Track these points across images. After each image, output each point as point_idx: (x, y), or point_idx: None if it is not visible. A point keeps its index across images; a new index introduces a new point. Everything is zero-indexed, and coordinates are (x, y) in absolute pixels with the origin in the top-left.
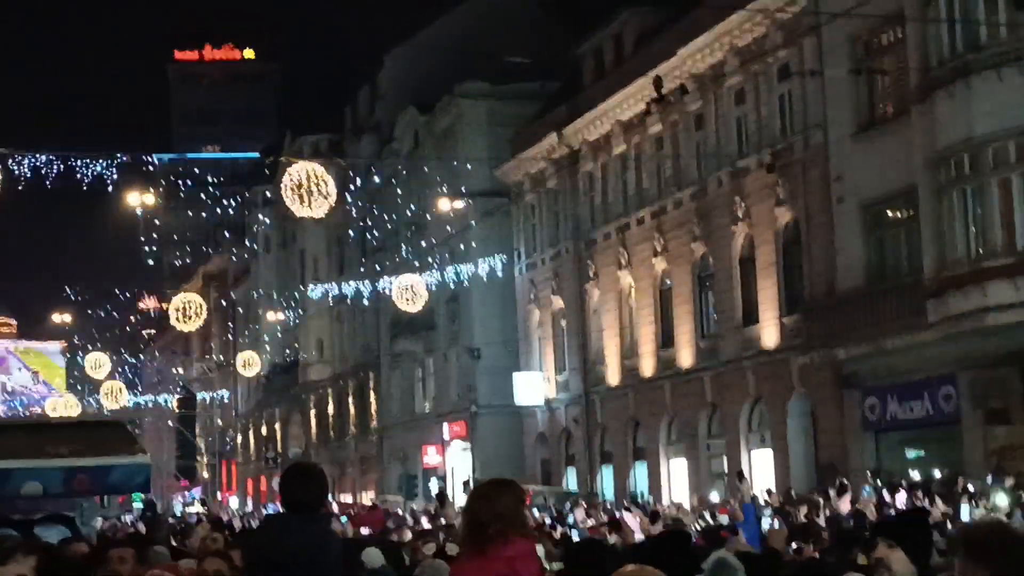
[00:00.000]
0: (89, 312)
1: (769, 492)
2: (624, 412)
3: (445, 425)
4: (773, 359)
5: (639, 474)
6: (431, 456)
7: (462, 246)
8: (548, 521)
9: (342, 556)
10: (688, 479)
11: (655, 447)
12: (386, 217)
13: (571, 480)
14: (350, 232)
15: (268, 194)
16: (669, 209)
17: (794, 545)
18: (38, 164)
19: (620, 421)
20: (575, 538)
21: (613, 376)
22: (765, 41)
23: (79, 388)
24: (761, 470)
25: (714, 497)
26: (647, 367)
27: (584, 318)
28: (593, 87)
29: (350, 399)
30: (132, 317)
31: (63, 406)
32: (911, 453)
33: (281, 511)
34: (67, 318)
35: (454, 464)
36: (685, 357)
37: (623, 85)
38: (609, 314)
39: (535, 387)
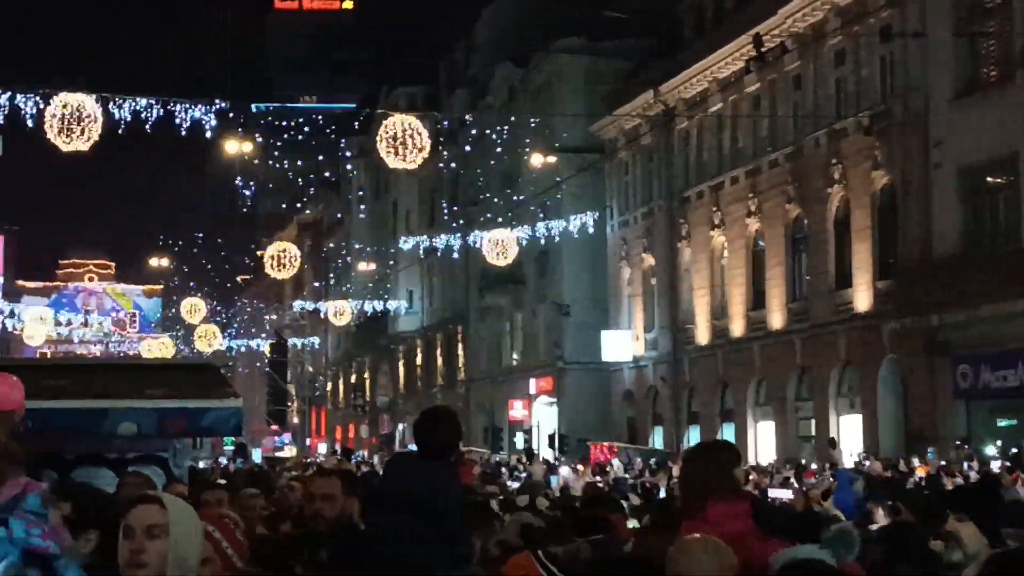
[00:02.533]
0: (187, 257)
1: (861, 457)
2: (712, 372)
3: (532, 380)
4: (865, 323)
5: (726, 435)
6: (517, 410)
7: (554, 202)
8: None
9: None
10: (776, 441)
11: (743, 408)
12: (479, 171)
13: (657, 439)
14: (442, 185)
15: (363, 145)
16: (764, 169)
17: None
18: (137, 108)
19: (708, 381)
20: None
21: (702, 336)
22: (867, 1)
23: (175, 331)
24: (849, 435)
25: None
26: (737, 328)
27: (675, 277)
28: (692, 45)
29: (438, 351)
30: (227, 263)
31: (158, 347)
32: (1002, 422)
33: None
34: (164, 262)
35: (540, 419)
36: (776, 319)
37: (722, 43)
38: (700, 273)
39: (623, 344)
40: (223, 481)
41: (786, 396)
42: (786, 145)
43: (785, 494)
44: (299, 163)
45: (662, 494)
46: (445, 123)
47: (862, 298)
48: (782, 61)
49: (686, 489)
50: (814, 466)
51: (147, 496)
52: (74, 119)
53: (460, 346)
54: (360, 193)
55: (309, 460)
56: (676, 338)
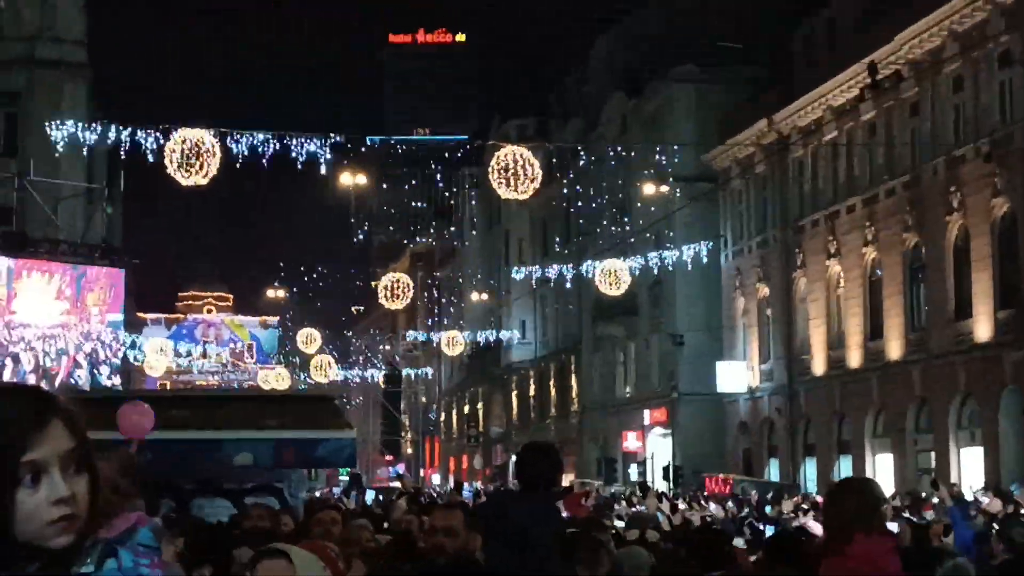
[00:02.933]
0: (302, 288)
1: (979, 493)
2: (829, 403)
3: (646, 411)
4: (985, 354)
5: (843, 468)
6: (631, 441)
7: (667, 231)
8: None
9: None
10: (894, 474)
11: (860, 440)
12: (591, 200)
13: (773, 471)
14: (555, 215)
15: (475, 176)
16: (881, 197)
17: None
18: (255, 143)
19: (825, 413)
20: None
21: (819, 366)
22: (986, 27)
23: (290, 362)
24: (970, 468)
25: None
26: (854, 358)
27: (790, 307)
28: (805, 72)
29: (551, 381)
30: (342, 293)
31: (275, 379)
32: None
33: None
34: (281, 294)
35: (654, 450)
36: (894, 349)
37: (837, 71)
38: (816, 303)
39: (738, 375)
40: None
41: (905, 428)
42: (903, 173)
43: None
44: (412, 194)
45: (780, 527)
46: (557, 153)
47: (982, 328)
48: (898, 88)
49: (831, 525)
50: (935, 500)
51: (274, 550)
52: (193, 154)
53: (573, 376)
54: (473, 223)
55: (417, 489)
56: (792, 369)
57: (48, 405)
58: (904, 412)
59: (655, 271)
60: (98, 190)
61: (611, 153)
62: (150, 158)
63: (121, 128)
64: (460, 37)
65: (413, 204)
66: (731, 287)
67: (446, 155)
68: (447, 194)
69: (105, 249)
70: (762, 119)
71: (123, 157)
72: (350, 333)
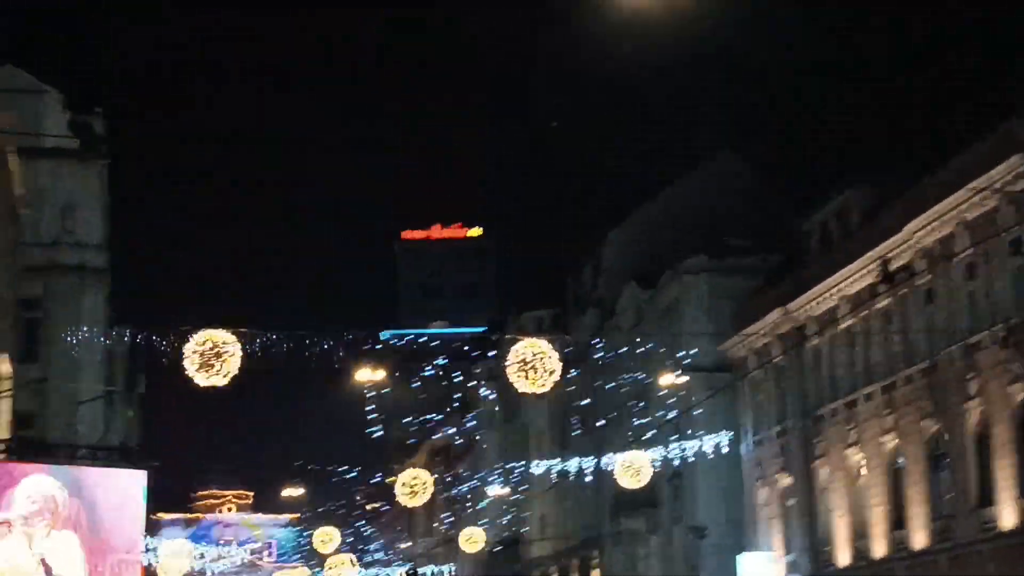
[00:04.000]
0: (319, 485)
1: None
2: None
3: None
4: (1012, 541)
5: None
6: None
7: (686, 421)
8: None
9: None
10: None
11: None
12: (609, 392)
13: None
14: (573, 407)
15: (492, 369)
16: (899, 385)
17: None
18: (269, 343)
19: None
20: None
21: (843, 557)
22: (996, 215)
23: (310, 562)
24: None
25: None
26: (879, 548)
27: (812, 497)
28: (818, 261)
29: None
30: (359, 491)
31: None
32: None
33: None
34: (298, 492)
35: None
36: (919, 539)
37: (850, 260)
38: (838, 493)
39: (762, 567)
40: None
41: None
42: (921, 359)
43: None
44: (429, 388)
45: None
46: (574, 345)
47: (1007, 515)
48: (912, 276)
49: None
50: None
51: None
52: (212, 355)
53: (596, 571)
54: (491, 416)
55: None
56: (816, 560)
57: None
58: None
59: (675, 463)
60: (118, 393)
61: (627, 345)
62: (170, 360)
63: (139, 332)
64: (473, 232)
65: (429, 398)
66: (752, 478)
67: (463, 349)
68: (464, 388)
69: (123, 451)
70: (777, 309)
71: (144, 360)
72: (369, 531)
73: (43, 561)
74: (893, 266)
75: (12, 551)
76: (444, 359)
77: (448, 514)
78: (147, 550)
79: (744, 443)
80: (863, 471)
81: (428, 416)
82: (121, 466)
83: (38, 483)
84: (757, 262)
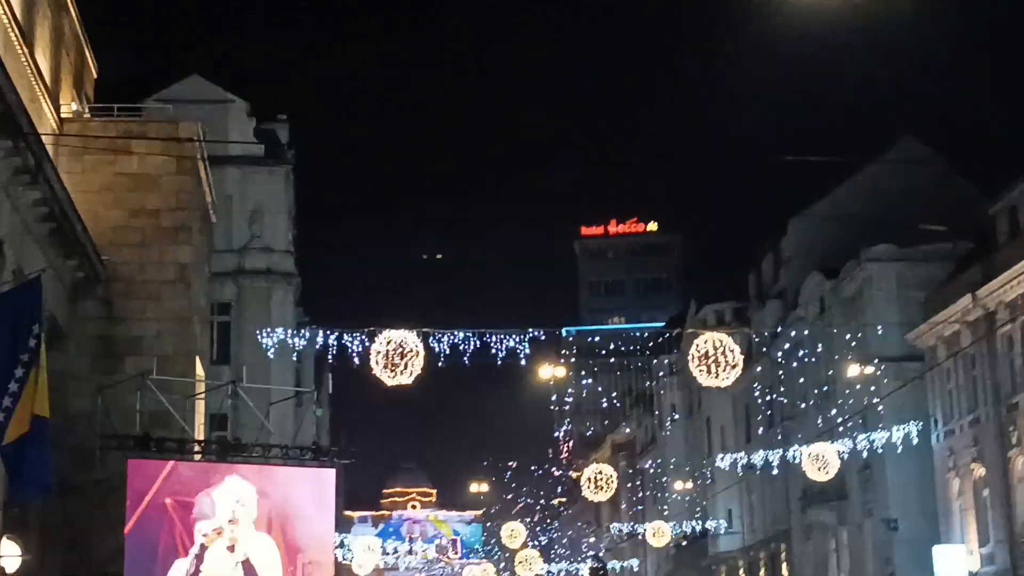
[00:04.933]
0: (504, 481)
1: None
2: None
3: None
4: None
5: None
6: None
7: (874, 413)
8: None
9: None
10: None
11: None
12: (793, 384)
13: None
14: (756, 399)
15: (673, 364)
16: None
17: None
18: (456, 340)
19: None
20: None
21: None
22: None
23: (494, 557)
24: None
25: None
26: None
27: (1008, 487)
28: (1008, 246)
29: (761, 571)
30: (543, 487)
31: (480, 574)
32: None
33: None
34: (484, 487)
35: None
36: None
37: None
38: None
39: (957, 560)
40: None
41: None
42: None
43: None
44: (611, 383)
45: None
46: (756, 337)
47: None
48: None
49: None
50: None
51: None
52: (397, 354)
53: (784, 565)
54: (673, 411)
55: None
56: (1014, 552)
57: None
58: None
59: (864, 454)
60: (307, 393)
61: (810, 336)
62: (356, 360)
63: (329, 333)
64: (652, 226)
65: (612, 393)
66: (944, 469)
67: (644, 344)
68: (646, 383)
69: (315, 450)
70: (967, 295)
71: (330, 360)
72: (555, 525)
73: (246, 564)
74: None
75: (218, 557)
76: (626, 354)
77: (633, 509)
78: (340, 545)
79: (935, 433)
80: None
81: (611, 412)
82: (313, 465)
83: (238, 484)
84: (944, 249)
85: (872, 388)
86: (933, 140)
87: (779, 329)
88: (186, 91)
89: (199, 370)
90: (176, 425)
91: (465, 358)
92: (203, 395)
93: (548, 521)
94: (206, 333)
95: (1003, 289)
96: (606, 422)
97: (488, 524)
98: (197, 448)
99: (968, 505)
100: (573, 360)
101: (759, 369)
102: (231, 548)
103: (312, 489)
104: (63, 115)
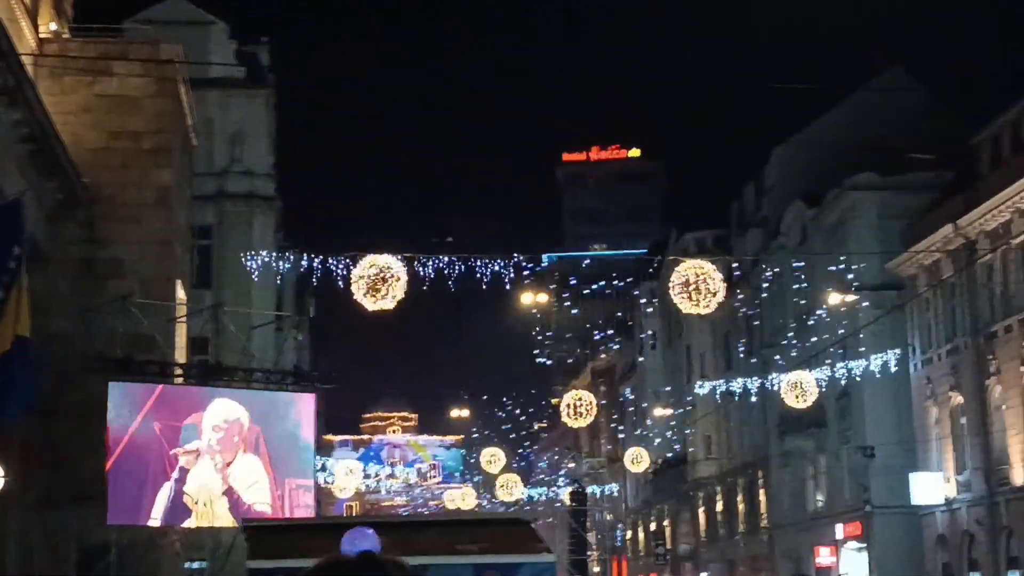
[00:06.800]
0: (485, 407)
1: None
2: None
3: (838, 525)
4: None
5: None
6: (823, 557)
7: (853, 341)
8: None
9: None
10: None
11: None
12: (773, 312)
13: None
14: (736, 328)
15: (655, 291)
16: None
17: None
18: (440, 265)
19: None
20: None
21: (1019, 476)
22: None
23: (476, 481)
24: None
25: None
26: None
27: (986, 415)
28: (991, 176)
29: (739, 497)
30: (523, 413)
31: (460, 498)
32: None
33: None
34: (464, 413)
35: (848, 566)
36: None
37: (1023, 173)
38: (1012, 411)
39: (934, 487)
40: None
41: None
42: None
43: None
44: (592, 310)
45: None
46: (737, 265)
47: None
48: None
49: None
50: None
51: None
52: (379, 279)
53: (762, 492)
54: (653, 338)
55: None
56: (991, 479)
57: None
58: None
59: (842, 382)
60: (288, 318)
61: (791, 264)
62: (339, 285)
63: (311, 257)
64: (634, 152)
65: (593, 321)
66: (922, 397)
67: (625, 271)
68: (627, 310)
69: (296, 375)
70: (947, 225)
71: (313, 285)
72: (535, 449)
73: (231, 485)
74: None
75: (203, 475)
76: (606, 282)
77: (612, 435)
78: (321, 469)
79: (913, 362)
80: None
81: (592, 338)
82: (294, 390)
83: (225, 407)
84: (927, 178)
85: (852, 317)
86: (917, 70)
87: (760, 257)
88: (167, 12)
89: (180, 293)
90: (157, 348)
91: (449, 283)
92: (184, 319)
93: (529, 446)
94: (187, 257)
95: (984, 219)
96: (587, 349)
97: (469, 449)
98: (178, 372)
99: (945, 433)
100: (553, 287)
101: (740, 297)
102: (215, 469)
103: (295, 413)
104: (42, 35)
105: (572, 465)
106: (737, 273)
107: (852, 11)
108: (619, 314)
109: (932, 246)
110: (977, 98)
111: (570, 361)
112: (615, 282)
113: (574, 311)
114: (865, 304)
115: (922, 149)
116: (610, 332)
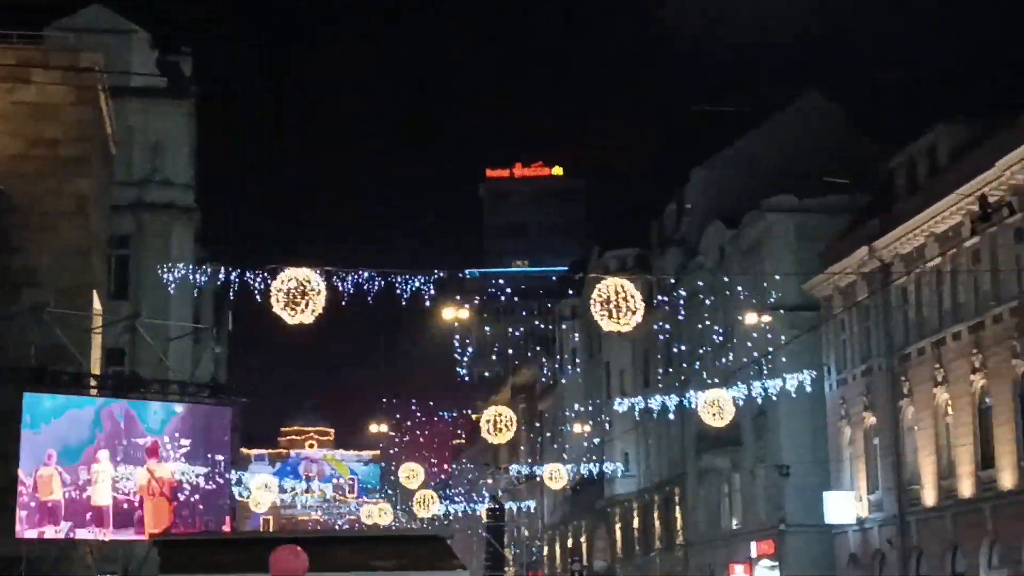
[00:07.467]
0: (404, 422)
1: None
2: (941, 535)
3: (752, 543)
4: None
5: None
6: (738, 574)
7: (770, 361)
8: None
9: None
10: None
11: (975, 572)
12: (692, 331)
13: None
14: (655, 345)
15: (575, 308)
16: (988, 324)
17: None
18: (360, 280)
19: (937, 544)
20: None
21: (929, 496)
22: None
23: (392, 496)
24: None
25: None
26: (966, 488)
27: (898, 436)
28: (906, 200)
29: (655, 514)
30: (442, 429)
31: (378, 514)
32: None
33: None
34: (383, 428)
35: None
36: (1007, 478)
37: (938, 198)
38: (924, 432)
39: (846, 506)
40: None
41: (1021, 559)
42: (1010, 299)
43: None
44: (513, 326)
45: None
46: (657, 284)
47: None
48: (1001, 214)
49: None
50: None
51: None
52: (299, 293)
53: (678, 509)
54: (573, 355)
55: None
56: (902, 499)
57: None
58: (1020, 543)
59: (759, 401)
60: (206, 330)
61: (710, 284)
62: (257, 298)
63: (230, 269)
64: (556, 170)
65: (513, 336)
66: (836, 416)
67: (546, 288)
68: (548, 326)
69: (213, 388)
70: (863, 247)
71: (231, 297)
72: (453, 465)
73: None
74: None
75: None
76: (528, 299)
77: (531, 451)
78: (237, 483)
79: (828, 382)
80: (950, 410)
81: (512, 355)
82: (210, 403)
83: (131, 418)
84: (843, 201)
85: (769, 336)
86: (835, 95)
87: (679, 277)
88: (88, 20)
89: (96, 304)
90: (73, 359)
91: (369, 298)
92: (100, 329)
93: (448, 461)
94: (104, 267)
95: (899, 242)
96: (507, 365)
97: (387, 464)
98: (93, 383)
99: (859, 453)
100: (476, 302)
101: (659, 316)
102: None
103: (210, 426)
104: None
105: (491, 481)
106: (659, 297)
107: (772, 33)
108: (540, 327)
109: (848, 268)
110: (893, 123)
111: (487, 375)
112: (537, 299)
113: (488, 328)
114: (781, 324)
115: (839, 172)
116: (531, 348)
